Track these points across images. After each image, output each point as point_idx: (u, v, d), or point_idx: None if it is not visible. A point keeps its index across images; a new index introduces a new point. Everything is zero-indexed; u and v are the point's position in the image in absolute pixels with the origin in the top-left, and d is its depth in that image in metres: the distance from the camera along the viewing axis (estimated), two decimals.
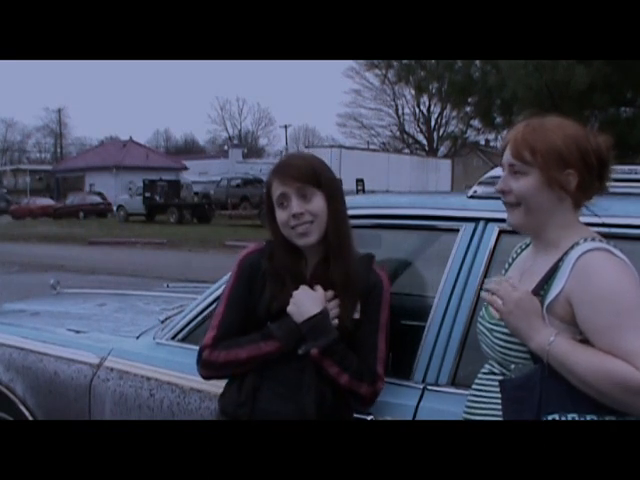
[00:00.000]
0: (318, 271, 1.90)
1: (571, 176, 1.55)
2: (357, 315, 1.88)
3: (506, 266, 1.77)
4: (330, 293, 1.87)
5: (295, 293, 1.86)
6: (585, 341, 1.49)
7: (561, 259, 1.55)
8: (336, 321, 1.85)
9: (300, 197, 1.85)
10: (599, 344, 1.45)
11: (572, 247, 1.54)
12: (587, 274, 1.49)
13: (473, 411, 1.66)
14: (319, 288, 1.87)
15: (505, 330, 1.57)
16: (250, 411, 1.86)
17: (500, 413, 1.57)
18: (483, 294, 1.64)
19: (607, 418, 1.45)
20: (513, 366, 1.57)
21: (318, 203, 1.86)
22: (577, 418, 1.45)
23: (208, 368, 1.93)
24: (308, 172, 1.86)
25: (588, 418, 1.45)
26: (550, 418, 1.47)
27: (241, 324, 1.91)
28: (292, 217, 1.84)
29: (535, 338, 1.49)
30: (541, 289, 1.55)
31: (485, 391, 1.65)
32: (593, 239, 1.55)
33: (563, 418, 1.46)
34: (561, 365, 1.46)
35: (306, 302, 1.84)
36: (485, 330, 1.65)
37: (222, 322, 1.93)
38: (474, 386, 1.69)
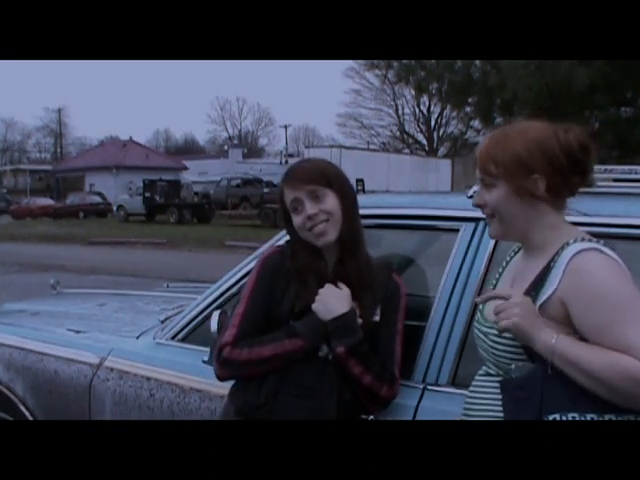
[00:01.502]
0: (337, 271, 1.91)
1: (538, 181, 1.55)
2: (377, 318, 1.90)
3: (500, 269, 1.77)
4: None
5: (321, 291, 1.86)
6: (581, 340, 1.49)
7: (552, 260, 1.54)
8: (360, 320, 1.86)
9: (312, 199, 1.87)
10: (600, 341, 1.45)
11: (562, 248, 1.53)
12: (581, 274, 1.48)
13: (470, 412, 1.66)
14: (344, 287, 1.87)
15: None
16: (269, 413, 1.84)
17: (496, 414, 1.57)
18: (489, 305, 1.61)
19: (606, 417, 1.45)
20: (514, 365, 1.56)
21: (331, 202, 1.87)
22: (577, 417, 1.45)
23: (228, 366, 1.88)
24: (316, 173, 1.89)
25: (588, 417, 1.45)
26: (551, 418, 1.46)
27: (262, 323, 1.90)
28: (307, 219, 1.86)
29: (540, 337, 1.48)
30: (532, 291, 1.55)
31: (481, 392, 1.65)
32: (583, 239, 1.54)
33: (564, 418, 1.46)
34: (567, 362, 1.46)
35: (333, 300, 1.85)
36: (481, 334, 1.65)
37: (243, 320, 1.90)
38: (471, 388, 1.69)
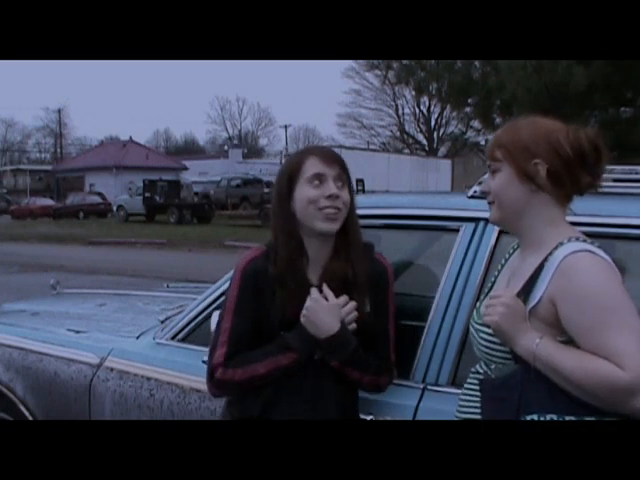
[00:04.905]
0: (331, 269, 1.82)
1: (539, 166, 1.55)
2: (368, 308, 1.86)
3: (499, 267, 1.77)
4: (343, 299, 1.80)
5: (308, 306, 1.78)
6: (567, 342, 1.49)
7: (545, 259, 1.54)
8: (354, 325, 1.81)
9: (337, 181, 1.81)
10: (584, 344, 1.45)
11: (556, 247, 1.53)
12: (571, 275, 1.48)
13: (462, 410, 1.68)
14: (331, 296, 1.79)
15: (489, 331, 1.57)
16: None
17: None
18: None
19: (586, 419, 1.45)
20: (493, 366, 1.58)
21: (347, 194, 1.83)
22: (556, 419, 1.46)
23: (223, 388, 1.85)
24: (343, 162, 1.86)
25: (567, 419, 1.45)
26: (529, 418, 1.47)
27: (251, 337, 1.82)
28: (327, 197, 1.78)
29: (521, 341, 1.49)
30: (524, 291, 1.55)
31: (471, 390, 1.66)
32: (577, 239, 1.53)
33: (542, 418, 1.46)
34: (547, 366, 1.46)
35: (323, 317, 1.77)
36: (473, 331, 1.66)
37: (231, 337, 1.82)
38: (464, 386, 1.70)
